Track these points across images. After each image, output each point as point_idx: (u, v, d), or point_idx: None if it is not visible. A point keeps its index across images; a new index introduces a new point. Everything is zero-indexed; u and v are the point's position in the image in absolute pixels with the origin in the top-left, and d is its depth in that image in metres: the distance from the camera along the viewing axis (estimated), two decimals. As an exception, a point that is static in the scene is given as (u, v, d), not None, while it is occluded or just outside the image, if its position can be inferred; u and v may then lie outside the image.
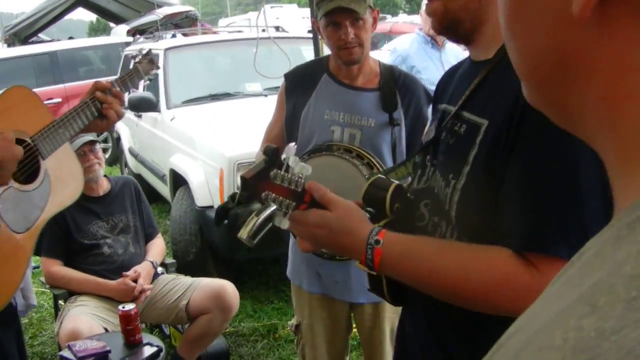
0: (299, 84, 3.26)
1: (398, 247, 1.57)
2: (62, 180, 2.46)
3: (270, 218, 1.70)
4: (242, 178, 1.72)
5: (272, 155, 1.68)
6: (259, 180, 1.67)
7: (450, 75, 1.94)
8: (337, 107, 3.12)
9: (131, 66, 3.10)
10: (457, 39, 1.74)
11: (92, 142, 4.57)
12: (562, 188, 1.42)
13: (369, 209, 1.81)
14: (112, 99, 2.73)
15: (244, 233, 1.76)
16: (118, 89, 2.81)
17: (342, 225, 1.63)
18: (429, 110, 3.24)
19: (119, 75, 2.94)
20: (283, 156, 1.70)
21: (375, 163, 2.94)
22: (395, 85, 3.17)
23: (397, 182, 1.82)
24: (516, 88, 0.73)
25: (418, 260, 1.56)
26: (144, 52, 3.17)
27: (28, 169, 2.28)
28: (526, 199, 1.45)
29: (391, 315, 3.28)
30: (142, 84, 3.01)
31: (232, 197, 1.83)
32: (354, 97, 3.14)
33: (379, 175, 1.89)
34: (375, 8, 3.08)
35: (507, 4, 0.60)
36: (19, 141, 2.29)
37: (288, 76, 3.36)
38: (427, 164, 1.81)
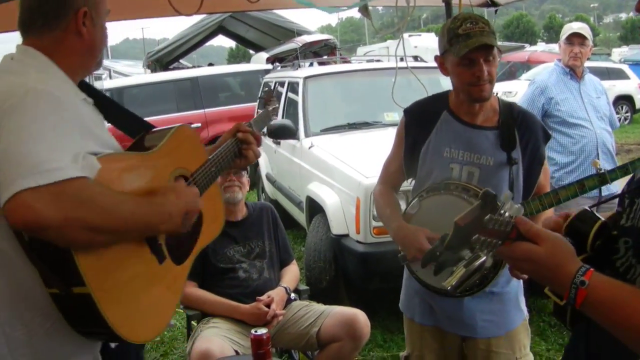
0: (419, 120, 3.28)
1: (604, 293, 1.54)
2: (209, 217, 2.62)
3: (478, 269, 1.70)
4: (457, 224, 1.75)
5: (490, 201, 1.69)
6: (473, 226, 1.69)
7: None
8: (457, 145, 3.12)
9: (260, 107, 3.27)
10: None
11: None
12: None
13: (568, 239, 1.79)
14: (252, 139, 2.88)
15: (450, 283, 1.76)
16: (257, 131, 2.96)
17: (549, 260, 1.62)
18: (546, 148, 3.19)
19: (254, 118, 3.15)
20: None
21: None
22: (515, 123, 3.15)
23: (602, 218, 1.79)
24: None
25: (623, 312, 1.51)
26: (268, 92, 3.29)
27: None
28: None
29: (504, 351, 3.24)
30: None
31: (442, 239, 1.84)
32: (474, 135, 3.14)
33: (586, 208, 1.86)
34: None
35: None
36: (182, 178, 2.45)
37: (408, 111, 3.37)
38: (635, 201, 1.73)
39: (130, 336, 2.07)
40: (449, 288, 1.76)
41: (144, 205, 2.10)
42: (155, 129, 2.56)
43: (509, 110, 3.20)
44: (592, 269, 1.56)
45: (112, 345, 2.32)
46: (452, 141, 3.14)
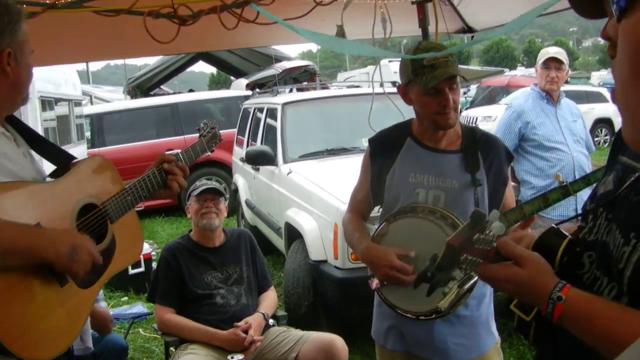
0: (384, 148, 3.34)
1: (579, 307, 1.58)
2: (125, 243, 2.69)
3: (470, 289, 1.72)
4: (449, 244, 1.80)
5: (479, 221, 1.75)
6: (462, 246, 1.74)
7: None
8: (422, 170, 3.18)
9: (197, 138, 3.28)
10: None
11: (217, 194, 4.74)
12: None
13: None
14: (178, 170, 2.91)
15: (445, 303, 1.81)
16: (184, 162, 2.99)
17: (532, 281, 1.66)
18: (509, 169, 3.28)
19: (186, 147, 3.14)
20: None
21: (459, 223, 2.95)
22: (478, 145, 3.23)
23: (569, 235, 1.83)
24: None
25: (598, 323, 1.54)
26: (209, 124, 3.33)
27: (98, 231, 2.54)
28: None
29: None
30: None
31: (433, 259, 1.89)
32: (438, 160, 3.20)
33: (553, 225, 1.89)
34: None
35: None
36: (91, 206, 2.54)
37: (372, 141, 3.44)
38: (599, 216, 1.75)
39: (25, 354, 2.15)
40: (443, 309, 1.80)
41: (27, 232, 2.18)
42: (75, 161, 2.66)
43: (472, 134, 3.27)
44: (568, 285, 1.60)
45: None
46: (417, 166, 3.19)
